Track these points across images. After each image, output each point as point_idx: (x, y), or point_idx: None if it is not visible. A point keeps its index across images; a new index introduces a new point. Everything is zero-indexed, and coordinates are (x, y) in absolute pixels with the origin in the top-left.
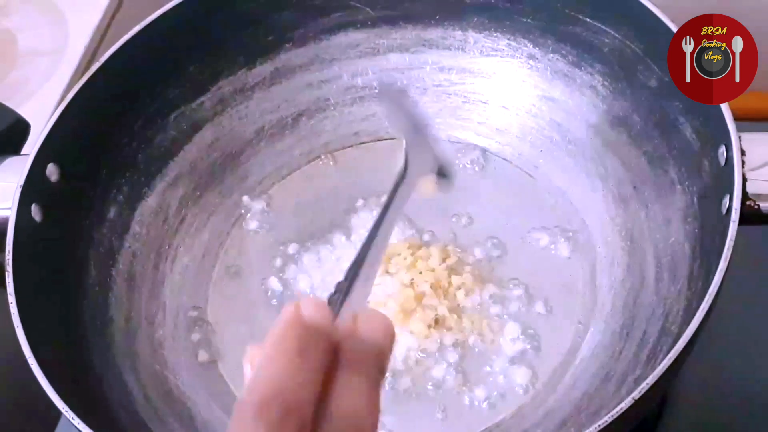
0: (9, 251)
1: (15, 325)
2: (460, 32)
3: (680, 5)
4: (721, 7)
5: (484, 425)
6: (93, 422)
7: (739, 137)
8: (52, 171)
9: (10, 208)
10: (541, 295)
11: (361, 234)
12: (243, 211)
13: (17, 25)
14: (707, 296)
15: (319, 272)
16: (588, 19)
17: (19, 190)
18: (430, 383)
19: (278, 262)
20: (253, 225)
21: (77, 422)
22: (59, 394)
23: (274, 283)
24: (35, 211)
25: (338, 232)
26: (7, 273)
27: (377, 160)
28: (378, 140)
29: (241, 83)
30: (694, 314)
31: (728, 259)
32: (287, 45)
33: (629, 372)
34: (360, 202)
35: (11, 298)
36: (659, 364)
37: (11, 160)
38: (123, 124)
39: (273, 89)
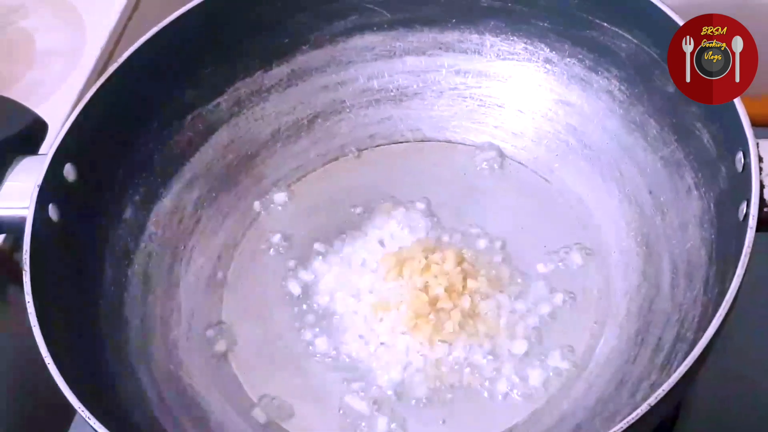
0: (26, 251)
1: (32, 325)
2: (476, 36)
3: (680, 5)
4: (721, 7)
5: (498, 429)
6: (108, 422)
7: (757, 143)
8: (69, 171)
9: (27, 208)
10: (556, 299)
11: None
12: (258, 212)
13: (34, 26)
14: (724, 303)
15: (332, 273)
16: (605, 24)
17: (37, 189)
18: (443, 388)
19: (292, 264)
20: (267, 226)
21: (93, 422)
22: (75, 393)
23: (290, 285)
24: (52, 211)
25: (353, 234)
26: (24, 272)
27: (393, 162)
28: (394, 143)
29: (258, 85)
30: (710, 321)
31: (745, 266)
32: (303, 47)
33: (644, 378)
34: (375, 205)
35: (28, 297)
36: (674, 370)
37: (29, 160)
38: (140, 125)
39: (289, 91)
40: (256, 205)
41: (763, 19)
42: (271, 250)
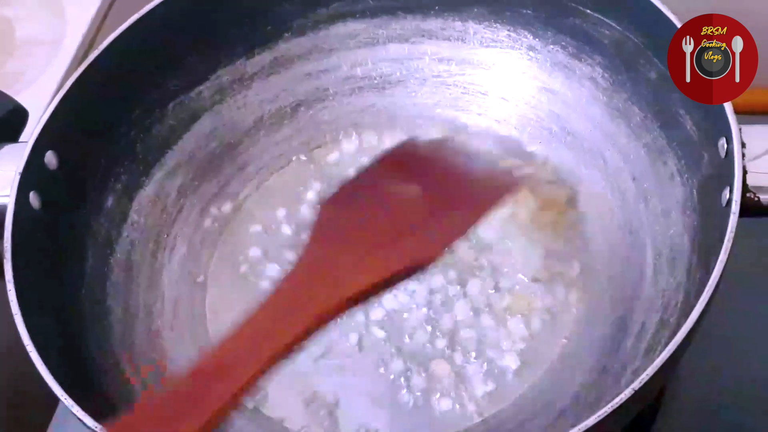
0: (8, 239)
1: (14, 313)
2: (459, 23)
3: (680, 5)
4: (721, 7)
5: (481, 416)
6: (91, 410)
7: (740, 129)
8: (50, 159)
9: (8, 196)
10: (539, 286)
11: None
12: (241, 201)
13: (15, 15)
14: (707, 288)
15: None
16: (589, 11)
17: (18, 177)
18: (426, 373)
19: (276, 253)
20: (251, 215)
21: (76, 410)
22: (58, 382)
23: (274, 273)
24: (34, 199)
25: None
26: (5, 260)
27: (376, 151)
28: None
29: (240, 73)
30: (693, 306)
31: (728, 251)
32: (286, 35)
33: (628, 364)
34: None
35: (9, 286)
36: (658, 356)
37: (9, 148)
38: (121, 113)
39: (271, 79)
40: (240, 194)
41: (763, 19)
42: (255, 239)
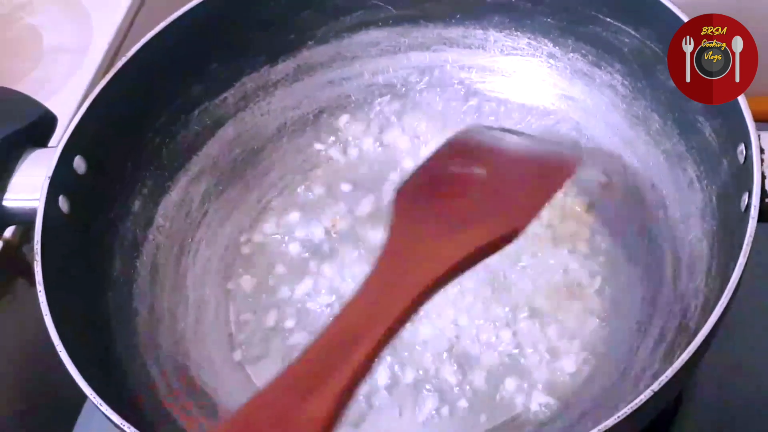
0: (38, 241)
1: (44, 314)
2: (480, 31)
3: (681, 5)
4: (721, 7)
5: (501, 419)
6: (118, 409)
7: (758, 135)
8: (79, 163)
9: (38, 199)
10: (559, 292)
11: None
12: (264, 206)
13: (42, 23)
14: (726, 292)
15: (337, 265)
16: (608, 19)
17: (48, 181)
18: (450, 376)
19: (301, 258)
20: (274, 220)
21: (105, 408)
22: (87, 380)
23: (298, 278)
24: (63, 203)
25: (358, 232)
26: (35, 263)
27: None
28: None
29: (264, 80)
30: (712, 311)
31: (747, 256)
32: (309, 43)
33: (647, 367)
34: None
35: (40, 287)
36: (677, 359)
37: (39, 153)
38: (147, 119)
39: (295, 86)
40: (264, 199)
41: (763, 19)
42: (279, 244)
